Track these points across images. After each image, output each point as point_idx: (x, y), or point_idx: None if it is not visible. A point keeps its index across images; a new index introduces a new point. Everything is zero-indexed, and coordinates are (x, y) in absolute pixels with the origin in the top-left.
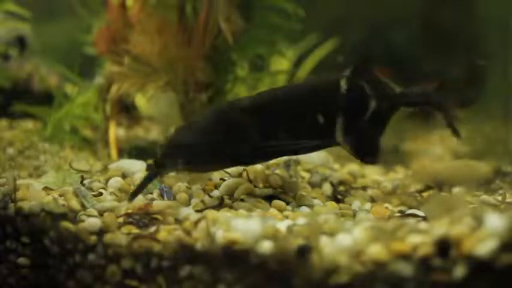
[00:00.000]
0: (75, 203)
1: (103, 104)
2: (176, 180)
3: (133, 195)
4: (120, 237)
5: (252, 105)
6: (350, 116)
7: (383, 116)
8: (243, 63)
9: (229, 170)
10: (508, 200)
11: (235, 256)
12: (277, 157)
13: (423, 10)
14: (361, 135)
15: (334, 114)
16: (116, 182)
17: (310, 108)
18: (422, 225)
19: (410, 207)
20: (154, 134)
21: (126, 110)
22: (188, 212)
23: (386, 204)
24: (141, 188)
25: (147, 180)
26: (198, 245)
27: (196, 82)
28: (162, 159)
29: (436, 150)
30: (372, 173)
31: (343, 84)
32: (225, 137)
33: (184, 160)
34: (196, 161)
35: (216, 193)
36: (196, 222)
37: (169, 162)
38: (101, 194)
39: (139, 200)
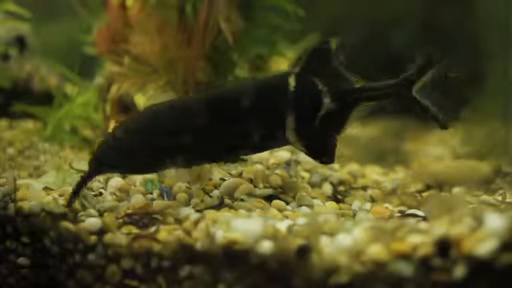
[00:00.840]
0: (75, 203)
1: (103, 104)
2: (176, 180)
3: (71, 198)
4: (120, 237)
5: (194, 104)
6: (301, 114)
7: (340, 112)
8: (243, 63)
9: (229, 170)
10: (508, 200)
11: (235, 256)
12: (226, 158)
13: (423, 10)
14: (314, 134)
15: (282, 113)
16: (116, 182)
17: (256, 107)
18: (422, 225)
19: (410, 207)
20: None
21: (126, 110)
22: (188, 212)
23: (386, 204)
24: (78, 189)
25: (82, 181)
26: (198, 245)
27: (196, 82)
28: (95, 161)
29: (436, 150)
30: (372, 173)
31: (292, 81)
32: (158, 139)
33: (118, 162)
34: (129, 164)
35: (216, 193)
36: (196, 222)
37: (103, 165)
38: (101, 193)
39: (140, 200)
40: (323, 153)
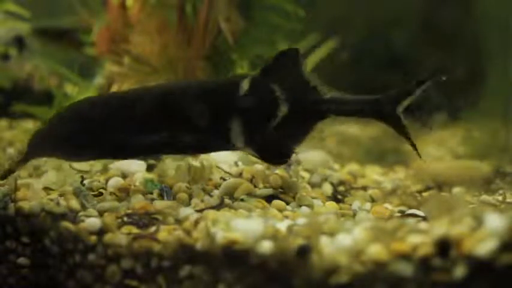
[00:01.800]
0: (75, 203)
1: None
2: (176, 180)
3: (6, 174)
4: (120, 237)
5: (133, 98)
6: (252, 119)
7: (300, 122)
8: (243, 63)
9: (229, 170)
10: (508, 200)
11: (235, 256)
12: (159, 153)
13: (423, 10)
14: (268, 140)
15: (227, 116)
16: (116, 182)
17: (196, 107)
18: (422, 225)
19: (410, 207)
20: None
21: None
22: (188, 212)
23: (386, 204)
24: (10, 171)
25: (16, 163)
26: (198, 245)
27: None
28: (29, 145)
29: (436, 150)
30: (372, 173)
31: (245, 85)
32: (90, 129)
33: (50, 148)
34: (61, 150)
35: (216, 193)
36: (196, 222)
37: (36, 149)
38: (101, 194)
39: (139, 200)
40: (276, 160)
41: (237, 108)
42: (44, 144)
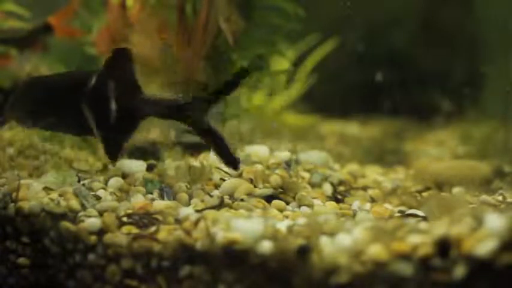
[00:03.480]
0: (75, 203)
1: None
2: (176, 180)
3: None
4: (120, 237)
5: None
6: (97, 113)
7: (125, 120)
8: (243, 63)
9: (229, 170)
10: (508, 200)
11: (235, 256)
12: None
13: (423, 10)
14: (108, 134)
15: (85, 107)
16: (116, 182)
17: (63, 98)
18: (422, 225)
19: (410, 207)
20: (154, 134)
21: None
22: (188, 212)
23: (386, 204)
24: None
25: None
26: (198, 245)
27: (196, 82)
28: (5, 108)
29: (436, 150)
30: (372, 173)
31: (93, 80)
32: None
33: (15, 113)
34: (20, 117)
35: (216, 193)
36: (196, 222)
37: (8, 112)
38: (99, 198)
39: (139, 200)
40: (111, 152)
41: (87, 99)
42: (12, 108)
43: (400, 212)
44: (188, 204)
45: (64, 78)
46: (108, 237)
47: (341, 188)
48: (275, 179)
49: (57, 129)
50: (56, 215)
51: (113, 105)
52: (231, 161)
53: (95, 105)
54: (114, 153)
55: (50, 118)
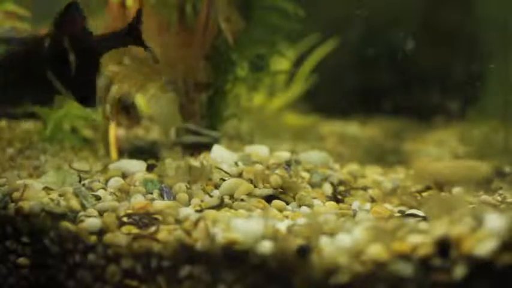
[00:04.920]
0: (75, 203)
1: (103, 104)
2: (176, 180)
3: None
4: (120, 237)
5: None
6: (58, 69)
7: (90, 62)
8: (243, 63)
9: (229, 170)
10: (508, 200)
11: (235, 256)
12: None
13: (423, 10)
14: (75, 84)
15: (49, 68)
16: (116, 182)
17: (25, 61)
18: (422, 225)
19: (410, 207)
20: (154, 134)
21: (126, 110)
22: (188, 212)
23: (386, 204)
24: None
25: None
26: (198, 245)
27: (196, 82)
28: None
29: (436, 150)
30: (372, 173)
31: (47, 40)
32: None
33: None
34: None
35: (216, 193)
36: (196, 222)
37: None
38: (99, 197)
39: (139, 200)
40: (86, 98)
41: (46, 61)
42: None
43: (400, 212)
44: (188, 204)
45: (19, 49)
46: (108, 237)
47: (341, 188)
48: (275, 179)
49: (26, 102)
50: (56, 215)
51: (72, 57)
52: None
53: (56, 64)
54: (90, 99)
55: (16, 92)
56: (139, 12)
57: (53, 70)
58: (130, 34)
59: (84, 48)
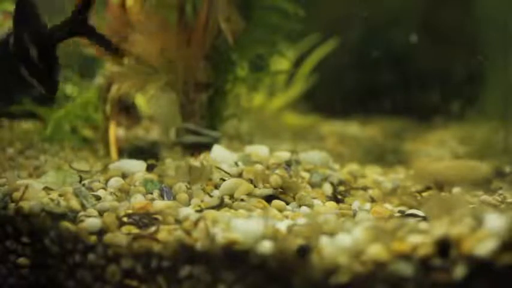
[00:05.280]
0: (75, 203)
1: (103, 104)
2: (176, 180)
3: None
4: (120, 237)
5: None
6: (26, 63)
7: (49, 52)
8: (243, 63)
9: (229, 170)
10: (508, 200)
11: (235, 256)
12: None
13: (423, 10)
14: (41, 75)
15: (20, 65)
16: (116, 182)
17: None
18: (422, 225)
19: (410, 207)
20: (154, 134)
21: (126, 110)
22: (188, 212)
23: (386, 204)
24: None
25: None
26: (198, 245)
27: (196, 82)
28: None
29: (436, 150)
30: (372, 173)
31: (11, 39)
32: None
33: None
34: None
35: (216, 193)
36: (196, 222)
37: None
38: (99, 197)
39: (139, 200)
40: (50, 87)
41: (14, 57)
42: None
43: (400, 212)
44: (188, 204)
45: None
46: (108, 237)
47: (341, 188)
48: (275, 179)
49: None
50: (56, 215)
51: (34, 51)
52: (112, 50)
53: (22, 59)
54: (53, 85)
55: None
56: None
57: (21, 65)
58: (75, 22)
59: (41, 41)
